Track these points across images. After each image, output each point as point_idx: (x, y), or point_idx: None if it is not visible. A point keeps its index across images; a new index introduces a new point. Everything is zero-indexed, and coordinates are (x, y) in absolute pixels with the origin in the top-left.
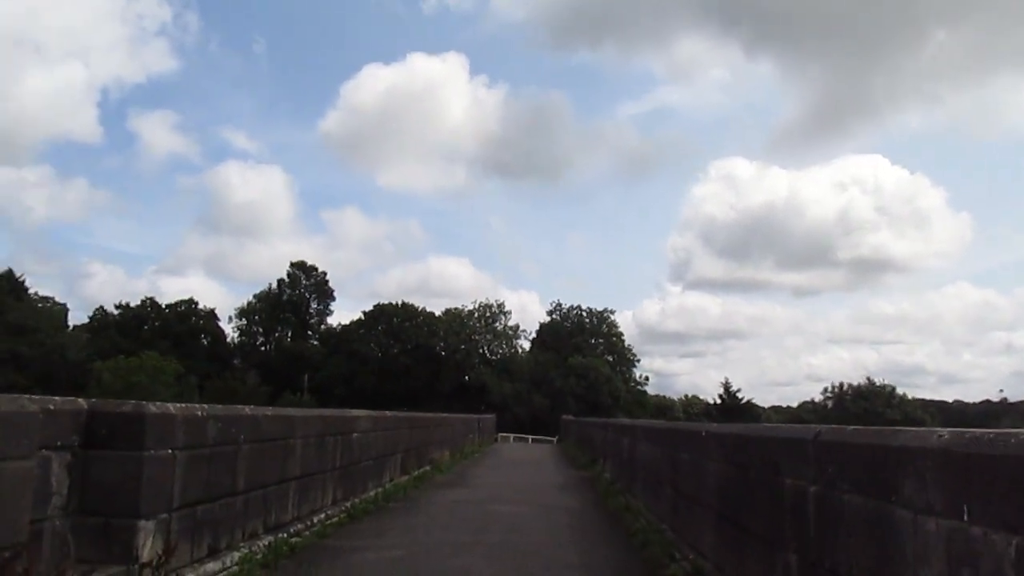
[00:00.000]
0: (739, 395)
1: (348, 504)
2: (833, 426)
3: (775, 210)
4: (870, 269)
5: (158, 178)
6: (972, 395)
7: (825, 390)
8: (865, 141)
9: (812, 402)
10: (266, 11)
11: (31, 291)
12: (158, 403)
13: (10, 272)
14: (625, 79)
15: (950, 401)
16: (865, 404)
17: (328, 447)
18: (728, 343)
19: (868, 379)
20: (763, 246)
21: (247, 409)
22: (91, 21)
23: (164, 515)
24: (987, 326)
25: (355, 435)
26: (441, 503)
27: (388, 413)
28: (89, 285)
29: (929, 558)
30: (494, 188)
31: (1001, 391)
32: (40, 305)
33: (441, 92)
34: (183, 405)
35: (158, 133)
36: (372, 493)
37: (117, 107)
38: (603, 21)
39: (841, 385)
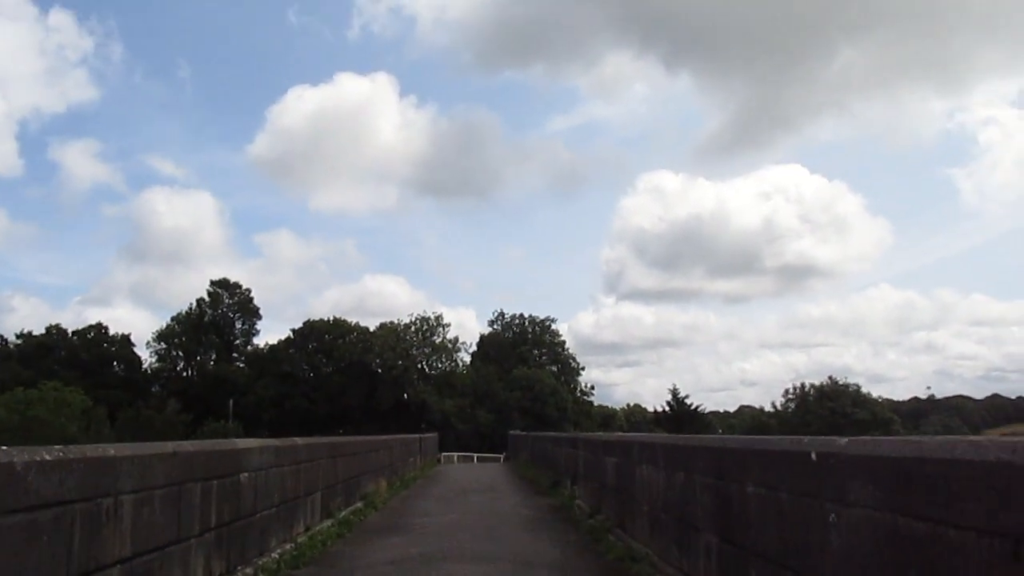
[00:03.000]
0: (688, 401)
1: None
2: None
3: (703, 220)
4: (796, 275)
5: (82, 208)
6: (899, 393)
7: (786, 392)
8: (784, 152)
9: (781, 405)
10: (190, 37)
11: None
12: None
13: None
14: (552, 96)
15: (879, 399)
16: (831, 404)
17: (192, 500)
18: (664, 351)
19: (831, 378)
20: (693, 256)
21: None
22: (8, 53)
23: None
24: (909, 326)
25: (244, 475)
26: (371, 565)
27: (299, 441)
28: (11, 319)
29: None
30: (427, 207)
31: (928, 388)
32: None
33: (370, 112)
34: None
35: (80, 162)
36: (275, 554)
37: (37, 137)
38: (527, 42)
39: (803, 385)
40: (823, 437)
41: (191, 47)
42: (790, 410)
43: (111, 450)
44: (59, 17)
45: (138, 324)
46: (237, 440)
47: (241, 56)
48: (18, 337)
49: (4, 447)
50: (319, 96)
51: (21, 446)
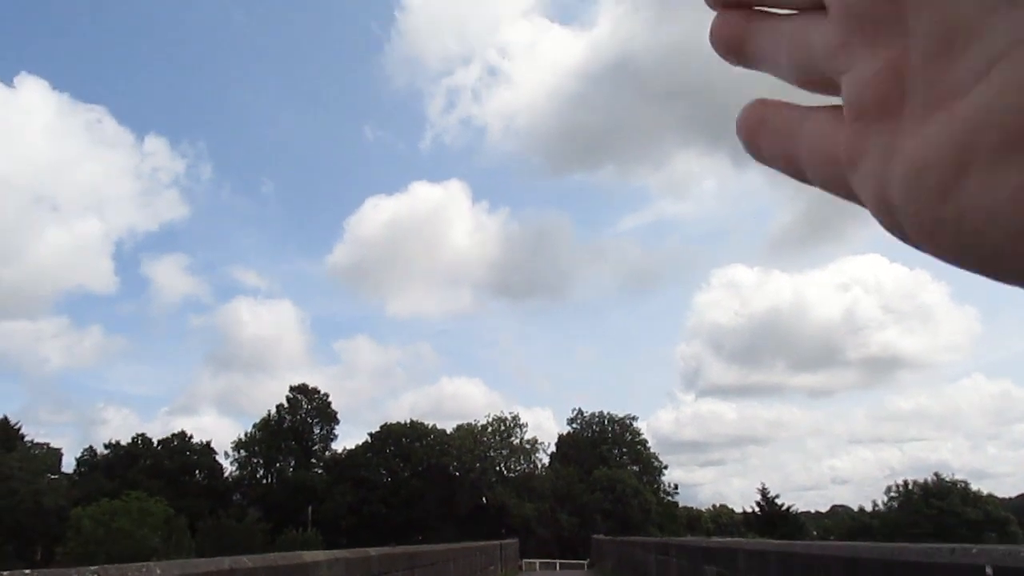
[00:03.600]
0: (778, 501)
1: None
2: None
3: (781, 313)
4: (882, 367)
5: (170, 319)
6: (1005, 490)
7: (888, 489)
8: (861, 242)
9: (884, 504)
10: (273, 155)
11: (27, 438)
12: None
13: (4, 420)
14: (622, 196)
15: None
16: (940, 503)
17: None
18: (748, 449)
19: (936, 474)
20: (773, 349)
21: None
22: (107, 177)
23: None
24: (1009, 417)
25: None
26: None
27: (372, 551)
28: (103, 431)
29: None
30: (501, 308)
31: None
32: (35, 452)
33: (444, 218)
34: None
35: (169, 276)
36: None
37: (130, 255)
38: (595, 145)
39: (905, 483)
40: (997, 547)
41: (274, 164)
42: (892, 509)
43: (157, 570)
44: (154, 142)
45: (221, 432)
46: (303, 552)
47: (321, 171)
48: (106, 447)
49: (28, 570)
50: (395, 205)
51: (67, 568)
